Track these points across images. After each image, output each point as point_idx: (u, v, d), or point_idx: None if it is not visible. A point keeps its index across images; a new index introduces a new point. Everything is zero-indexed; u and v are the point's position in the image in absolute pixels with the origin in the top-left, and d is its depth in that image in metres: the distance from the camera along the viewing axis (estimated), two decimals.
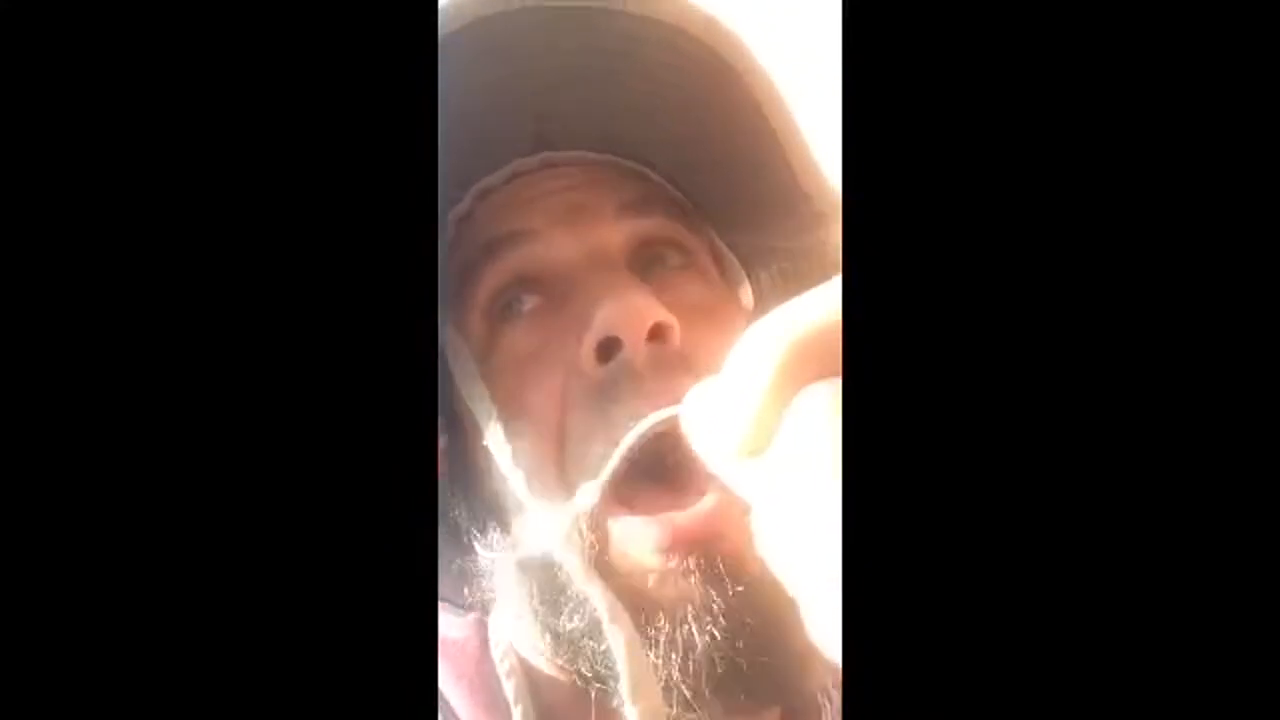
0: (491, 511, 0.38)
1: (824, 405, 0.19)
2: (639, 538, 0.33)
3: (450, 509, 0.42)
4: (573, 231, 0.39)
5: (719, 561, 0.32)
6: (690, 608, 0.32)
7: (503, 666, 0.40)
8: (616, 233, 0.39)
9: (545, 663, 0.39)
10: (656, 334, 0.35)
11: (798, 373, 0.19)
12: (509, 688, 0.39)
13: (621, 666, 0.32)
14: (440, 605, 0.44)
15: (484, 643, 0.41)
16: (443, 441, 0.41)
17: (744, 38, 0.40)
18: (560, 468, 0.36)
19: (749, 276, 0.46)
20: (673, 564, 0.33)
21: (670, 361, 0.35)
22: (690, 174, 0.43)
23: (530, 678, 0.40)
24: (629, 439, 0.32)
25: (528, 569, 0.36)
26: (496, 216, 0.40)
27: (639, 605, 0.33)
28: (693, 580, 0.32)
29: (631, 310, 0.35)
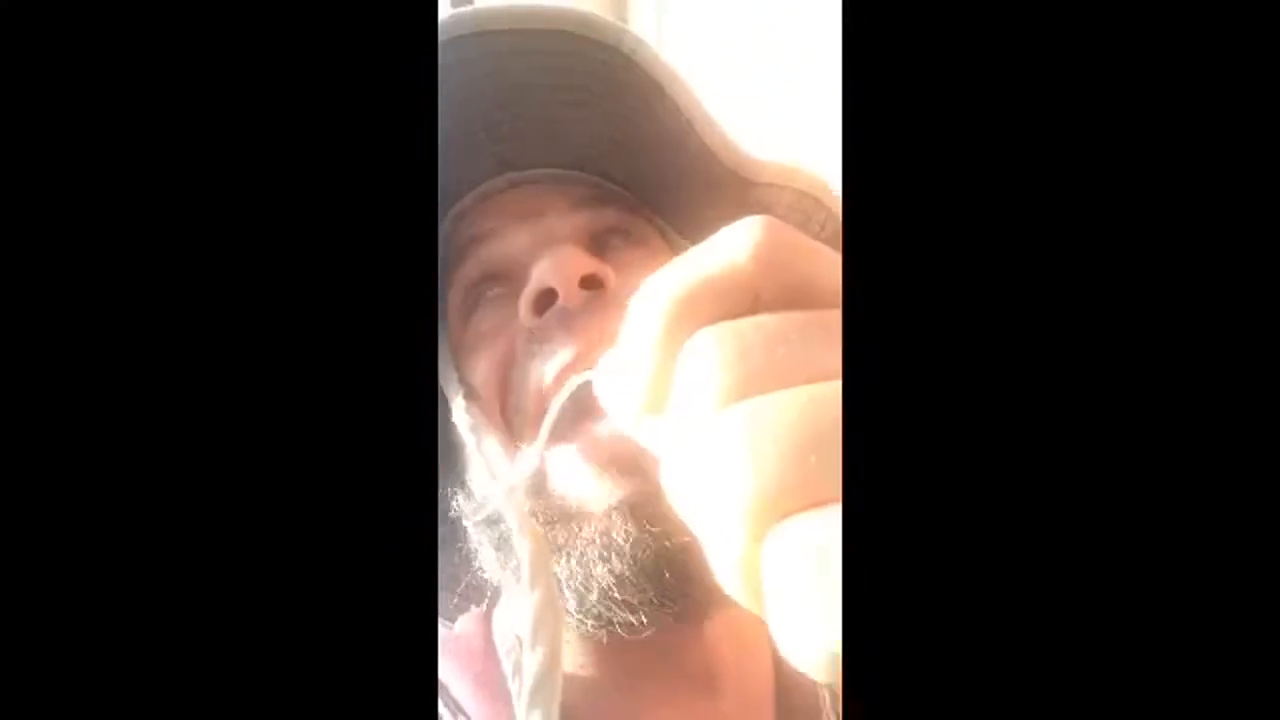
0: (459, 480, 0.41)
1: (707, 351, 0.19)
2: (575, 466, 0.35)
3: (449, 500, 0.44)
4: (527, 225, 0.42)
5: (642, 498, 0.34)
6: (613, 533, 0.34)
7: (509, 660, 0.40)
8: (568, 223, 0.42)
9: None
10: (589, 283, 0.38)
11: (679, 327, 0.20)
12: (514, 682, 0.39)
13: (525, 574, 0.34)
14: (444, 601, 0.45)
15: (489, 636, 0.42)
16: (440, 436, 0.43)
17: (634, 32, 0.43)
18: (505, 420, 0.38)
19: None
20: (603, 491, 0.35)
21: (605, 307, 0.37)
22: (626, 168, 0.46)
23: None
24: (557, 402, 0.34)
25: (487, 527, 0.39)
26: (468, 226, 0.43)
27: (562, 538, 0.35)
28: (616, 511, 0.34)
29: (562, 261, 0.37)
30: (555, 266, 0.37)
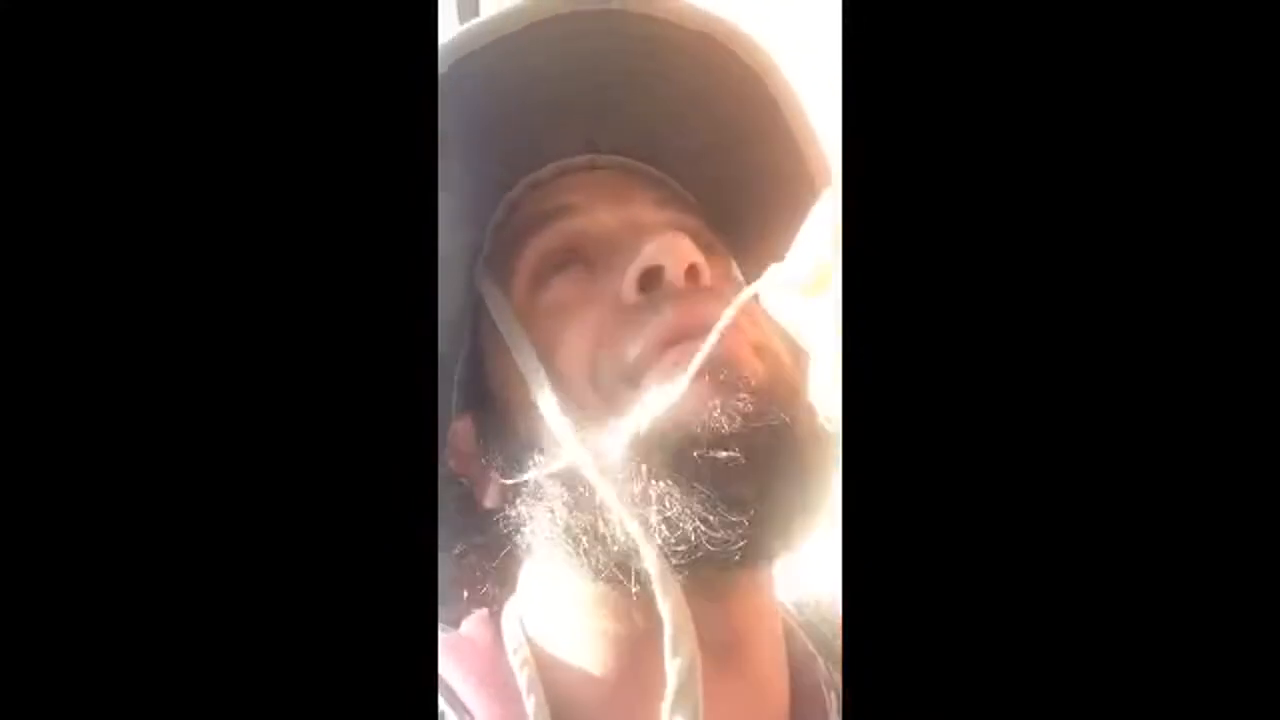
0: (527, 442, 0.40)
1: None
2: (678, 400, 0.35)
3: (461, 471, 0.44)
4: (617, 209, 0.43)
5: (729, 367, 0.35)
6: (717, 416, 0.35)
7: (516, 658, 0.40)
8: (657, 216, 0.43)
9: (574, 564, 0.39)
10: (691, 273, 0.39)
11: None
12: (521, 679, 0.39)
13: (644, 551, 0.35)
14: (447, 600, 0.45)
15: (496, 636, 0.42)
16: (464, 419, 0.44)
17: (760, 38, 0.44)
18: (595, 386, 0.38)
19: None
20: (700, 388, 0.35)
21: (702, 296, 0.39)
22: (709, 159, 0.47)
23: (543, 665, 0.40)
24: (721, 323, 0.35)
25: (563, 481, 0.38)
26: (546, 197, 0.44)
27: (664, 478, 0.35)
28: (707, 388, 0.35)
29: (676, 245, 0.39)
30: (669, 247, 0.39)
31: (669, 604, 0.35)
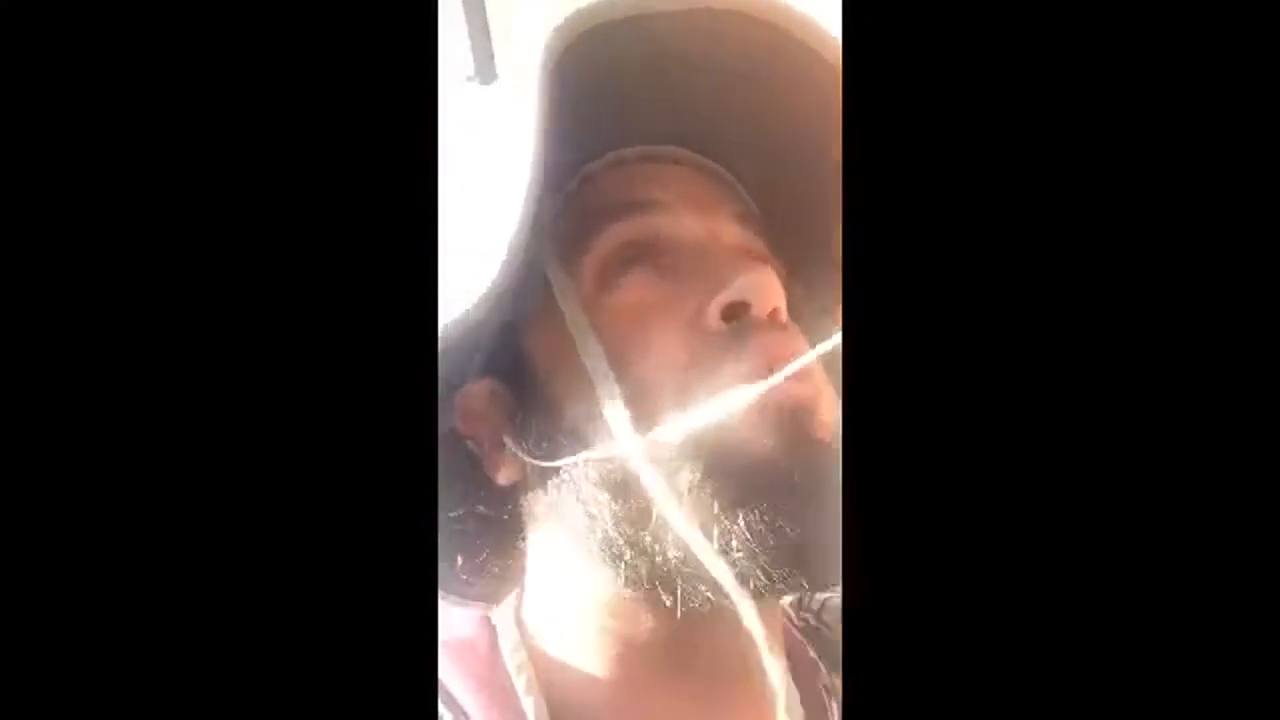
0: (572, 439, 0.39)
1: None
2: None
3: (468, 431, 0.43)
4: (698, 217, 0.42)
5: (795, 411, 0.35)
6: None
7: (513, 660, 0.40)
8: (735, 232, 0.43)
9: (603, 570, 0.39)
10: (774, 315, 0.39)
11: None
12: (520, 682, 0.39)
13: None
14: (447, 602, 0.45)
15: (492, 639, 0.42)
16: (482, 384, 0.42)
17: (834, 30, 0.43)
18: (678, 406, 0.37)
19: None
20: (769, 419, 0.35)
21: (784, 336, 0.39)
22: (760, 159, 0.47)
23: (541, 666, 0.40)
24: (755, 391, 0.35)
25: (603, 485, 0.38)
26: (629, 183, 0.43)
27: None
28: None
29: (767, 283, 0.39)
30: (761, 285, 0.38)
31: (777, 665, 0.36)
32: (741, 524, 0.34)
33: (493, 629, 0.42)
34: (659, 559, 0.36)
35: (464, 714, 0.39)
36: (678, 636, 0.38)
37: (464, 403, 0.43)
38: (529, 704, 0.38)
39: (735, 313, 0.38)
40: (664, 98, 0.43)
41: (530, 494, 0.41)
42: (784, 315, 0.40)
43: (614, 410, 0.37)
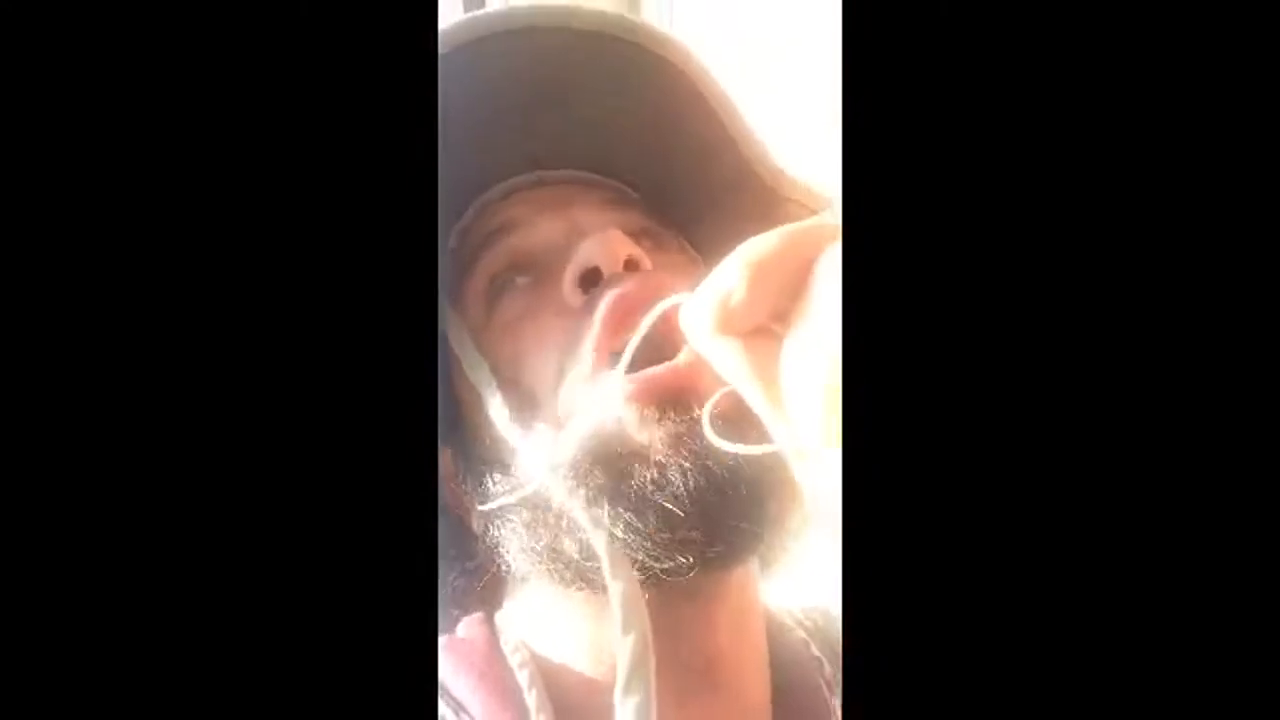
0: (491, 465, 0.40)
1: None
2: (626, 413, 0.36)
3: (452, 503, 0.44)
4: (558, 216, 0.43)
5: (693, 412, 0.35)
6: (662, 452, 0.35)
7: (514, 659, 0.40)
8: (598, 218, 0.43)
9: (558, 588, 0.40)
10: (630, 266, 0.39)
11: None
12: (522, 678, 0.39)
13: (602, 553, 0.35)
14: (448, 609, 0.45)
15: (493, 638, 0.42)
16: (445, 453, 0.44)
17: (681, 38, 0.44)
18: (560, 398, 0.38)
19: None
20: (647, 413, 0.35)
21: (640, 278, 0.38)
22: (655, 175, 0.47)
23: (542, 668, 0.40)
24: (645, 322, 0.34)
25: (526, 506, 0.39)
26: (492, 216, 0.44)
27: (617, 478, 0.35)
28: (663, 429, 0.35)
29: (608, 242, 0.39)
30: (602, 245, 0.39)
31: (618, 585, 0.35)
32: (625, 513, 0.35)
33: (491, 627, 0.43)
34: (577, 558, 0.37)
35: (465, 710, 0.39)
36: (666, 623, 0.38)
37: (441, 475, 0.44)
38: (532, 698, 0.39)
39: (592, 280, 0.39)
40: (526, 123, 0.44)
41: (491, 532, 0.42)
42: (645, 263, 0.40)
43: (498, 414, 0.38)
